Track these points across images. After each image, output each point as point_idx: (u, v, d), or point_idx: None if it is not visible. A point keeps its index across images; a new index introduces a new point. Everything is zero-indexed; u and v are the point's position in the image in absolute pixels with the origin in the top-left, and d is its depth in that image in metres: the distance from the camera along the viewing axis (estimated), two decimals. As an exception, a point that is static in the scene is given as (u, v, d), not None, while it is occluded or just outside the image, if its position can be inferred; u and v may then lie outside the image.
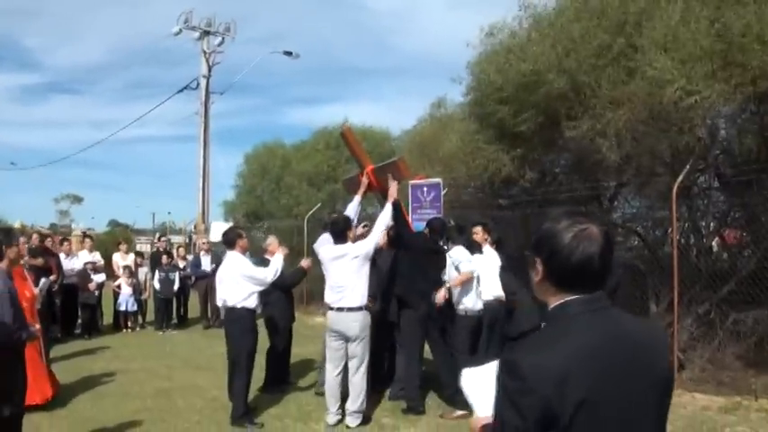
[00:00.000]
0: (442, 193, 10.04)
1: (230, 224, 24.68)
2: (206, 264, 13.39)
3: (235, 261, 6.74)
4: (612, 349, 1.62)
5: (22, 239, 7.83)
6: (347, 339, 6.37)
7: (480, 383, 1.88)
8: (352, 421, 6.29)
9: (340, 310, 6.33)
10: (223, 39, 23.25)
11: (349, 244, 6.46)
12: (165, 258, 13.26)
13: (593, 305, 1.67)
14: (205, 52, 23.04)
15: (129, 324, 13.09)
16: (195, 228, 31.03)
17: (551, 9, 9.18)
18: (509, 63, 8.86)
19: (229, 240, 6.92)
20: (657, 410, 1.70)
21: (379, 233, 6.55)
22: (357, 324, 6.30)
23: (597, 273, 1.67)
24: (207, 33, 23.18)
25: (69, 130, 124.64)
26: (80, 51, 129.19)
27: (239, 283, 6.58)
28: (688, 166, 7.55)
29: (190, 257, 14.92)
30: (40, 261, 10.25)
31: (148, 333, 12.95)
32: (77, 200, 58.44)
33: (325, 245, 6.77)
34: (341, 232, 6.48)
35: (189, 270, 13.61)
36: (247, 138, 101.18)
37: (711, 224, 9.40)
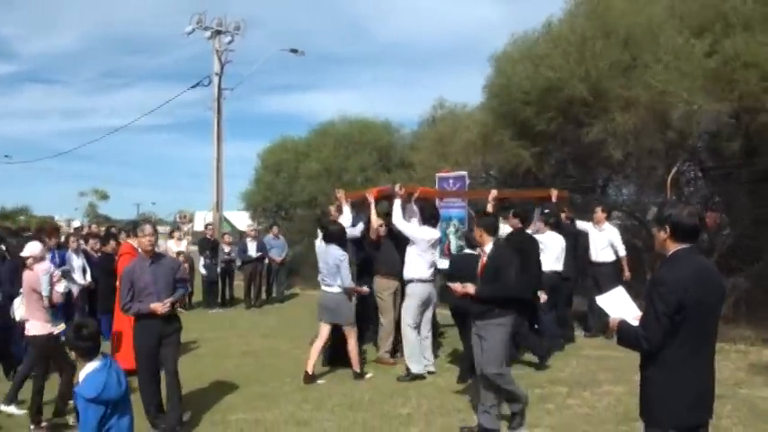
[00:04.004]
0: (467, 183, 11.75)
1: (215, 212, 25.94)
2: (252, 249, 14.81)
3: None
4: (705, 273, 3.33)
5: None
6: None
7: (611, 302, 3.60)
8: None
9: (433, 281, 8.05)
10: (233, 37, 24.49)
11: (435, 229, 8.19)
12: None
13: (693, 250, 3.35)
14: (218, 51, 24.23)
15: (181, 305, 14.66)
16: (180, 217, 32.33)
17: (566, 26, 10.96)
18: (535, 71, 10.58)
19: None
20: (719, 310, 3.42)
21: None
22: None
23: (699, 232, 3.38)
24: (218, 33, 24.30)
25: (43, 120, 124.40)
26: (51, 40, 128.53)
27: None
28: (680, 162, 9.34)
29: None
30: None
31: (199, 312, 14.45)
32: (104, 196, 61.00)
33: (420, 228, 8.14)
34: (432, 217, 8.20)
35: (235, 255, 15.12)
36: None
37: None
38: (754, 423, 5.78)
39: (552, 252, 8.85)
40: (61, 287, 6.86)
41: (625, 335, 3.41)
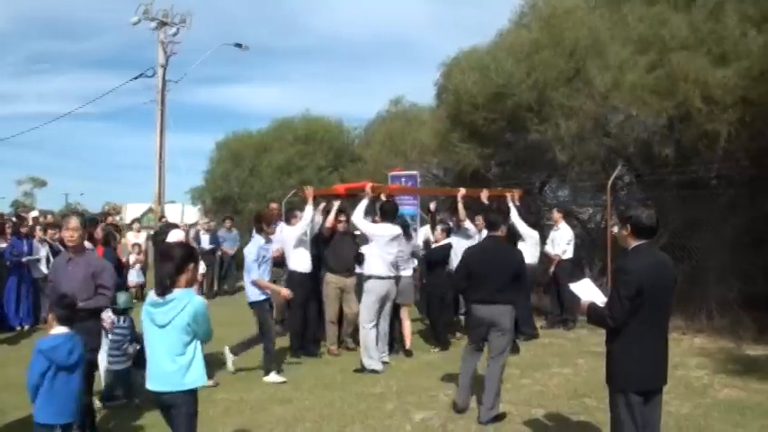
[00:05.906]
0: (418, 182, 12.40)
1: (148, 206, 25.86)
2: (205, 242, 15.03)
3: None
4: (661, 264, 4.03)
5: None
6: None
7: (582, 289, 4.24)
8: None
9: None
10: (178, 29, 24.41)
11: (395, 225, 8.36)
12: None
13: (651, 245, 4.06)
14: (163, 42, 24.11)
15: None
16: (108, 209, 32.03)
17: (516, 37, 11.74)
18: (485, 78, 11.29)
19: (287, 218, 9.20)
20: (671, 295, 4.11)
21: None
22: None
23: (655, 230, 4.07)
24: (164, 24, 24.16)
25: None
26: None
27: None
28: (619, 167, 10.23)
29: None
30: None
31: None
32: (41, 183, 59.10)
33: (378, 225, 8.46)
34: (392, 213, 8.36)
35: (188, 248, 15.23)
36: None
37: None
38: (690, 397, 6.66)
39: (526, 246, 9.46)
40: (200, 268, 7.40)
41: (594, 314, 4.09)
